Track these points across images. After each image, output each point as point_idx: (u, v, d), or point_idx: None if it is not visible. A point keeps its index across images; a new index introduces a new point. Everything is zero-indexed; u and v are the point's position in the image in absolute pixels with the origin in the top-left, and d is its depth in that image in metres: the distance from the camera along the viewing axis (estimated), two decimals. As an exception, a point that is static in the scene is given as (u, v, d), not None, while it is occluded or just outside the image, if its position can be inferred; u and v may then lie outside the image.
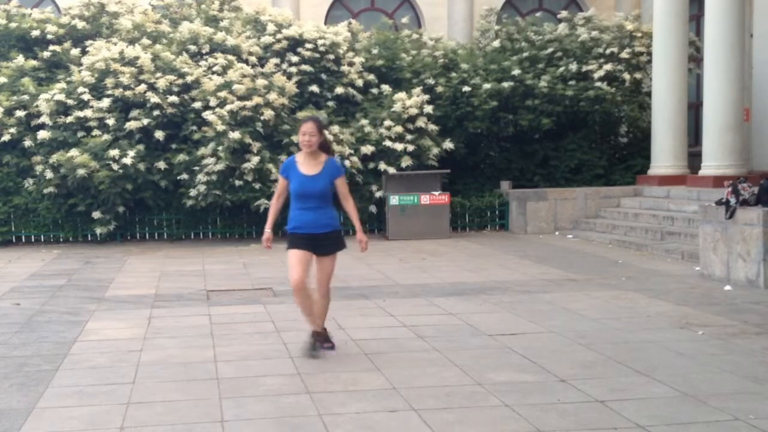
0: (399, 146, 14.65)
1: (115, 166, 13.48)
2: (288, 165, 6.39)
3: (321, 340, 6.45)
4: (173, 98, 14.12)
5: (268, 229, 6.48)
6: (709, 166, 13.81)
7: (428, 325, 7.44)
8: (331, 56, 15.46)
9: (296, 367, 6.06)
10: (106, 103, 14.03)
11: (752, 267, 9.15)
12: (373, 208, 15.04)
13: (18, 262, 12.38)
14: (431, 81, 15.90)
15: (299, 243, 6.25)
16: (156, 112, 14.07)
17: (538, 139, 16.66)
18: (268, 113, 13.86)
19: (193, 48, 15.31)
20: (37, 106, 14.19)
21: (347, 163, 14.52)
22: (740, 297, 8.64)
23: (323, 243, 6.30)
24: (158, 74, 14.28)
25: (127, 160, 13.50)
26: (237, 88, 13.96)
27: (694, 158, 15.57)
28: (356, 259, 12.10)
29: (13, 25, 15.67)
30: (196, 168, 13.98)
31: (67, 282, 10.35)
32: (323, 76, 15.43)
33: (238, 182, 13.80)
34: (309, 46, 15.29)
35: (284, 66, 15.17)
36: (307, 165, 6.30)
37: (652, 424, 4.74)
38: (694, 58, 16.65)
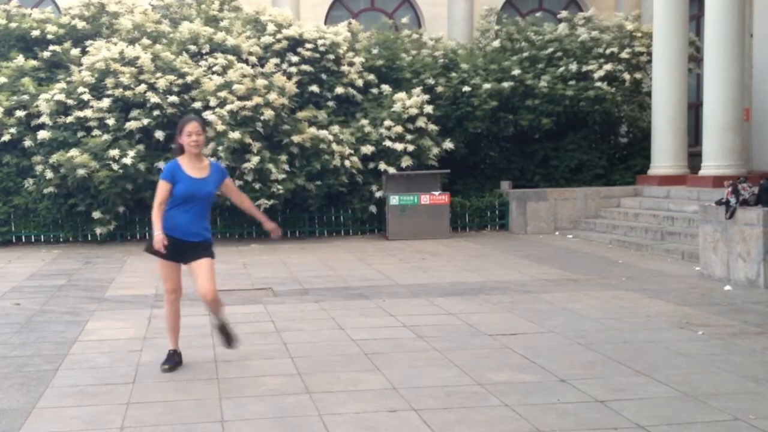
0: (399, 146, 14.65)
1: (115, 166, 13.48)
2: (172, 169, 5.99)
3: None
4: (173, 98, 14.12)
5: (159, 232, 5.87)
6: (709, 166, 13.80)
7: (428, 325, 7.43)
8: (331, 56, 15.46)
9: (296, 367, 6.06)
10: (106, 103, 14.03)
11: (752, 267, 9.15)
12: (373, 208, 15.05)
13: (18, 262, 12.37)
14: (431, 81, 15.90)
15: (167, 250, 5.86)
16: (156, 112, 14.07)
17: (538, 139, 16.66)
18: (268, 113, 13.86)
19: (193, 48, 15.31)
20: (37, 106, 14.18)
21: (347, 163, 14.53)
22: (740, 297, 8.64)
23: (192, 251, 6.00)
24: (158, 74, 14.28)
25: (127, 160, 13.50)
26: (237, 88, 13.97)
27: (694, 158, 15.57)
28: (356, 259, 12.11)
29: (13, 25, 15.67)
30: (197, 168, 13.95)
31: (67, 282, 10.35)
32: (323, 76, 15.43)
33: (238, 182, 13.77)
34: (309, 46, 15.29)
35: (284, 66, 15.17)
36: (192, 168, 6.00)
37: (652, 424, 4.74)
38: (694, 58, 16.65)
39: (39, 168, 13.95)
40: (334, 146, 14.38)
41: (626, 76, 16.34)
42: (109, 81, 14.15)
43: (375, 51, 16.27)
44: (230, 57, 14.92)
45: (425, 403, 5.19)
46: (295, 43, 15.41)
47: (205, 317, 7.97)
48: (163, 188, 6.00)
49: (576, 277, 10.11)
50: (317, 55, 15.34)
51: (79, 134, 14.07)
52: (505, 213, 15.73)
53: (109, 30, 16.17)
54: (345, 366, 6.08)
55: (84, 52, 15.11)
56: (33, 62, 15.08)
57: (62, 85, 14.31)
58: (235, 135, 13.52)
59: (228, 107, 13.80)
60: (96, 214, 14.04)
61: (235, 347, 6.30)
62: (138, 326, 7.59)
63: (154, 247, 5.87)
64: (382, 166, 14.70)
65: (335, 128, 14.70)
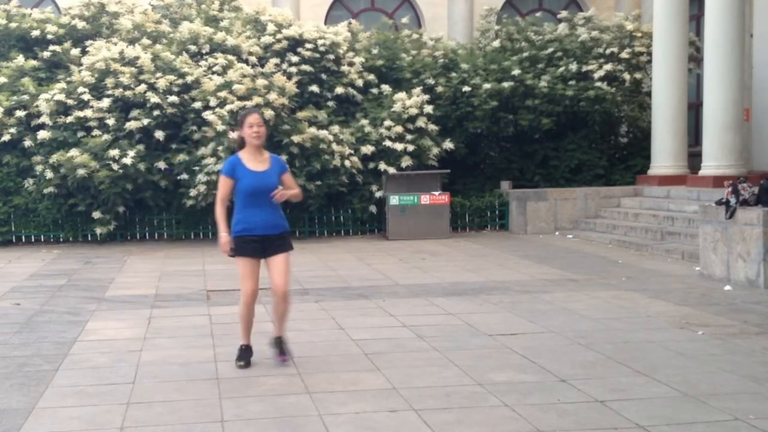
0: (399, 146, 14.65)
1: (115, 166, 13.48)
2: (233, 163, 6.00)
3: (276, 348, 6.22)
4: (173, 98, 14.11)
5: (224, 233, 5.97)
6: (709, 166, 13.80)
7: (428, 325, 7.43)
8: (331, 56, 15.45)
9: (296, 367, 6.06)
10: (106, 103, 14.03)
11: (752, 267, 9.15)
12: (373, 208, 15.05)
13: (18, 262, 12.37)
14: (431, 81, 15.89)
15: (249, 248, 5.94)
16: (156, 112, 14.07)
17: (538, 139, 16.66)
18: (268, 113, 13.84)
19: (193, 48, 15.30)
20: (37, 106, 14.18)
21: (347, 163, 14.53)
22: (740, 297, 8.64)
23: (275, 244, 6.02)
24: (158, 74, 14.28)
25: (127, 160, 13.50)
26: (237, 88, 13.96)
27: (694, 158, 15.57)
28: (356, 259, 12.11)
29: (13, 25, 15.66)
30: (196, 168, 13.98)
31: (67, 282, 10.35)
32: (323, 76, 15.43)
33: (238, 182, 13.78)
34: (309, 46, 15.29)
35: (284, 66, 15.16)
36: (254, 161, 6.00)
37: (652, 424, 4.74)
38: (694, 58, 16.65)
39: (39, 168, 13.94)
40: (334, 146, 14.37)
41: (626, 76, 16.34)
42: (109, 81, 14.15)
43: (375, 51, 16.27)
44: (230, 57, 14.92)
45: (425, 403, 5.19)
46: (295, 43, 15.41)
47: (205, 317, 7.98)
48: (224, 184, 6.02)
49: (576, 277, 10.11)
50: (317, 55, 15.34)
51: (79, 134, 14.07)
52: (505, 213, 15.73)
53: (109, 30, 16.17)
54: (345, 366, 6.09)
55: (84, 52, 15.11)
56: (33, 62, 15.07)
57: (62, 85, 14.31)
58: (235, 135, 13.48)
59: (228, 107, 13.80)
60: (96, 214, 14.04)
61: (285, 362, 6.16)
62: (138, 326, 7.59)
63: (222, 249, 5.98)
64: (382, 166, 14.70)
65: (335, 128, 14.70)
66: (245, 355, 6.17)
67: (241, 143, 6.12)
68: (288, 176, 6.18)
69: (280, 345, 6.24)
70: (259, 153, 6.06)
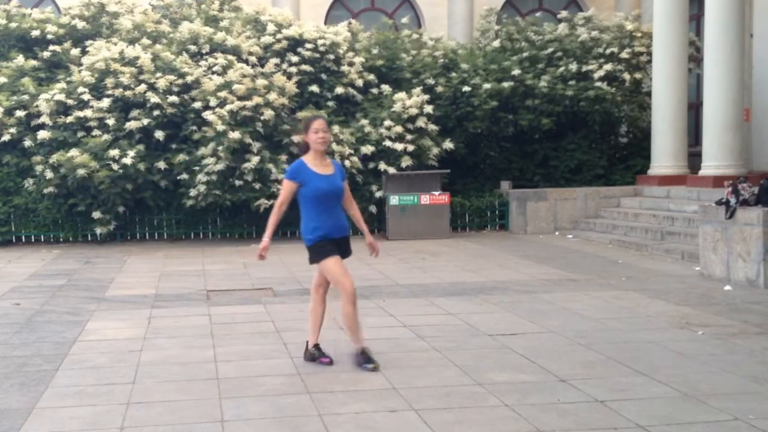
0: (399, 146, 14.65)
1: (115, 166, 13.49)
2: (298, 168, 6.00)
3: (317, 355, 6.19)
4: (173, 98, 14.12)
5: (267, 239, 6.06)
6: (709, 166, 13.80)
7: (428, 325, 7.43)
8: (331, 56, 15.46)
9: (296, 367, 6.06)
10: (106, 103, 14.03)
11: (752, 267, 9.15)
12: (373, 208, 15.04)
13: (18, 262, 12.38)
14: (431, 81, 15.90)
15: (332, 249, 5.98)
16: (156, 112, 14.07)
17: (538, 139, 16.66)
18: (268, 113, 13.86)
19: (193, 48, 15.31)
20: (37, 106, 14.18)
21: (347, 163, 14.53)
22: (740, 297, 8.64)
23: (343, 248, 6.11)
24: (158, 74, 14.28)
25: (127, 160, 13.50)
26: (237, 88, 13.96)
27: (694, 158, 15.57)
28: (356, 260, 12.08)
29: (13, 25, 15.66)
30: (196, 168, 13.98)
31: (67, 282, 10.35)
32: (323, 76, 15.43)
33: (238, 182, 13.81)
34: (309, 46, 15.29)
35: (284, 66, 15.17)
36: (319, 166, 6.01)
37: (652, 424, 4.74)
38: (694, 58, 16.65)
39: (39, 168, 13.94)
40: (334, 146, 14.37)
41: (626, 76, 16.34)
42: (109, 81, 14.15)
43: (375, 51, 16.28)
44: (230, 57, 14.92)
45: (425, 403, 5.19)
46: (295, 43, 15.41)
47: (205, 317, 7.98)
48: (287, 188, 6.02)
49: (576, 277, 10.11)
50: (317, 55, 15.34)
51: (79, 134, 14.07)
52: (505, 213, 15.73)
53: (109, 30, 16.17)
54: (345, 366, 6.08)
55: (84, 52, 15.11)
56: (33, 62, 15.08)
57: (62, 85, 14.31)
58: (235, 135, 13.52)
59: (228, 107, 13.80)
60: (96, 214, 14.04)
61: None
62: (138, 326, 7.59)
63: (259, 252, 6.11)
64: (382, 166, 14.70)
65: (335, 128, 14.69)
66: (369, 357, 6.02)
67: (305, 148, 6.11)
68: (346, 183, 6.22)
69: (319, 350, 6.22)
70: (323, 158, 6.09)
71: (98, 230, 14.18)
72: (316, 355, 6.20)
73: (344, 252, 6.12)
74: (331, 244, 5.99)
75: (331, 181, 6.01)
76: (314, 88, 15.22)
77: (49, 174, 13.80)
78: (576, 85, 16.18)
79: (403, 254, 12.55)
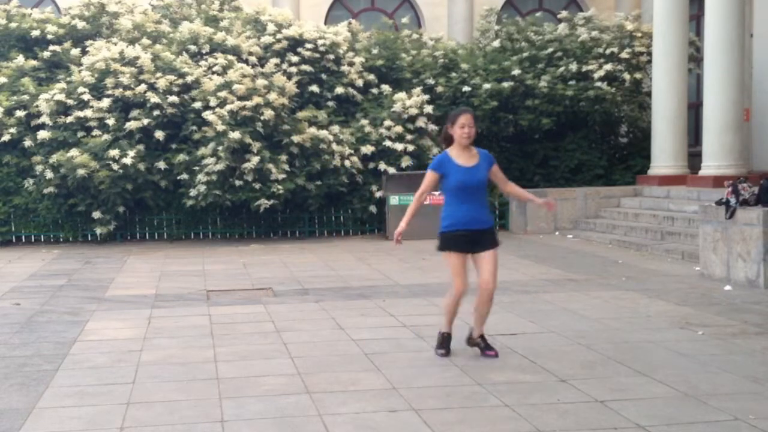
0: (399, 146, 14.65)
1: (115, 166, 13.49)
2: (442, 160, 6.09)
3: (482, 347, 6.27)
4: (173, 98, 14.12)
5: (404, 224, 6.08)
6: (709, 166, 13.80)
7: (428, 325, 7.43)
8: (331, 56, 15.46)
9: (296, 367, 6.06)
10: (106, 103, 14.04)
11: (752, 267, 9.15)
12: (373, 208, 15.05)
13: (18, 262, 12.38)
14: (431, 81, 15.90)
15: (459, 242, 6.02)
16: (156, 112, 14.08)
17: (538, 139, 16.66)
18: (268, 113, 13.86)
19: (193, 48, 15.31)
20: (37, 106, 14.19)
21: (347, 163, 14.53)
22: (740, 297, 8.63)
23: (484, 239, 6.08)
24: (158, 74, 14.28)
25: (127, 160, 13.50)
26: (237, 88, 13.97)
27: (694, 158, 15.57)
28: (356, 259, 12.11)
29: (13, 25, 15.67)
30: (196, 168, 13.98)
31: (67, 282, 10.35)
32: (323, 76, 15.44)
33: (238, 182, 13.80)
34: (309, 46, 15.30)
35: (284, 66, 15.17)
36: (463, 157, 6.07)
37: (652, 424, 4.74)
38: (694, 58, 16.65)
39: (39, 168, 13.95)
40: (334, 146, 14.38)
41: (626, 76, 16.33)
42: (109, 81, 14.16)
43: (375, 51, 16.28)
44: (230, 57, 14.93)
45: (425, 403, 5.19)
46: (295, 43, 15.42)
47: (205, 317, 7.98)
48: (429, 178, 6.13)
49: (576, 277, 10.11)
50: (317, 55, 15.35)
51: (79, 134, 14.08)
52: (505, 213, 15.73)
53: (109, 30, 16.18)
54: (345, 366, 6.08)
55: (84, 52, 15.12)
56: (33, 62, 15.08)
57: (62, 85, 14.31)
58: (235, 135, 13.52)
59: (228, 107, 13.80)
60: (96, 214, 14.04)
61: (496, 356, 6.17)
62: (138, 326, 7.59)
63: (395, 236, 6.14)
64: (382, 166, 14.71)
65: (335, 128, 14.70)
66: (446, 343, 6.24)
67: (449, 139, 6.16)
68: (496, 168, 6.24)
69: (485, 341, 6.29)
70: (468, 150, 6.12)
71: (98, 230, 14.18)
72: (482, 347, 6.30)
73: (482, 245, 6.06)
74: (463, 237, 6.01)
75: (473, 173, 6.05)
76: (314, 88, 15.22)
77: (49, 174, 13.81)
78: (576, 85, 16.18)
79: (403, 254, 12.55)
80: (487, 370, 5.89)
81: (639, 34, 16.79)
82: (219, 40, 15.26)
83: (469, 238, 6.04)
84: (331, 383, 5.64)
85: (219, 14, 16.80)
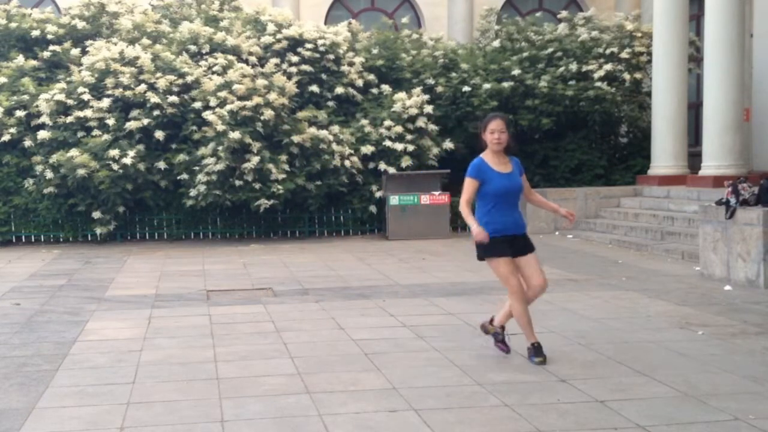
0: (399, 146, 14.66)
1: (115, 166, 13.49)
2: (480, 166, 6.07)
3: (498, 337, 6.32)
4: (173, 98, 14.13)
5: (477, 226, 5.94)
6: (709, 166, 13.80)
7: (428, 325, 7.43)
8: (331, 56, 15.47)
9: (296, 367, 6.06)
10: (106, 103, 14.04)
11: (752, 267, 9.15)
12: (373, 208, 15.05)
13: (18, 262, 12.38)
14: (431, 81, 15.90)
15: (504, 248, 6.03)
16: (156, 112, 14.08)
17: (538, 139, 16.65)
18: (268, 113, 13.86)
19: (193, 48, 15.32)
20: (37, 106, 14.19)
21: (347, 163, 14.54)
22: (740, 297, 8.63)
23: (522, 244, 6.14)
24: (158, 74, 14.29)
25: (127, 160, 13.51)
26: (237, 88, 13.97)
27: (694, 158, 15.57)
28: (356, 259, 12.11)
29: (13, 25, 15.67)
30: (196, 168, 13.99)
31: (67, 282, 10.35)
32: (323, 76, 15.44)
33: (238, 182, 13.80)
34: (309, 46, 15.30)
35: (284, 66, 15.18)
36: (499, 164, 6.07)
37: (652, 424, 4.74)
38: (694, 58, 16.65)
39: (39, 168, 13.95)
40: (334, 146, 14.38)
41: (626, 76, 16.34)
42: (109, 81, 14.16)
43: (375, 51, 16.28)
44: (230, 57, 14.93)
45: (425, 403, 5.19)
46: (295, 43, 15.42)
47: (205, 317, 7.98)
48: (470, 186, 6.09)
49: (576, 277, 10.11)
50: (317, 55, 15.35)
51: (79, 134, 14.09)
52: (505, 213, 15.69)
53: (109, 30, 16.18)
54: (345, 366, 6.08)
55: (84, 52, 15.12)
56: (33, 62, 15.08)
57: (62, 85, 14.32)
58: (235, 135, 13.52)
59: (228, 107, 13.80)
60: (96, 214, 14.05)
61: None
62: (138, 326, 7.59)
63: (477, 239, 5.95)
64: (382, 166, 14.71)
65: (335, 128, 14.70)
66: (540, 351, 6.11)
67: (484, 145, 6.17)
68: (524, 177, 6.29)
69: (503, 334, 6.35)
70: (501, 155, 6.12)
71: (98, 230, 14.18)
72: (499, 337, 6.36)
73: (521, 249, 6.12)
74: (503, 243, 6.03)
75: (511, 178, 6.09)
76: (314, 88, 15.22)
77: (49, 174, 13.81)
78: (576, 85, 16.18)
79: (403, 254, 12.55)
80: (487, 370, 5.90)
81: (639, 34, 16.79)
82: (219, 40, 15.26)
83: (510, 242, 6.08)
84: (331, 383, 5.64)
85: (219, 14, 16.81)
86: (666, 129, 15.29)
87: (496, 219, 6.06)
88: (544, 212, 15.33)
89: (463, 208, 6.09)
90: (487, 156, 6.13)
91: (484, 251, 6.09)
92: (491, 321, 6.47)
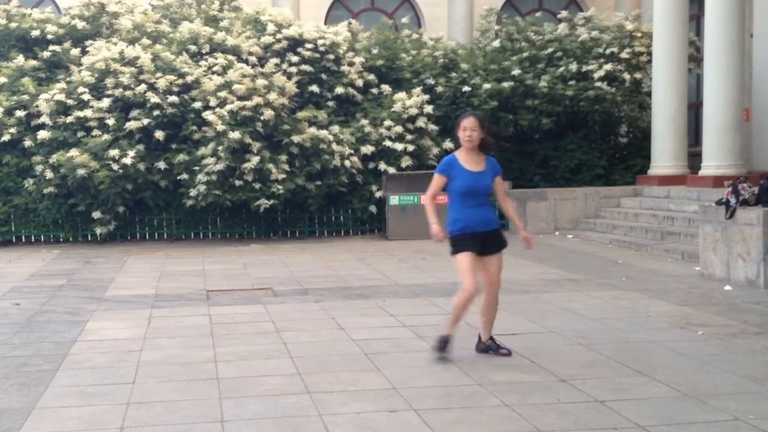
0: (399, 146, 14.66)
1: (115, 166, 13.49)
2: (449, 163, 6.17)
3: (494, 348, 6.30)
4: (173, 98, 14.12)
5: (437, 224, 6.13)
6: (709, 166, 13.80)
7: (428, 325, 7.43)
8: (331, 56, 15.46)
9: (296, 367, 6.06)
10: (106, 103, 14.04)
11: (752, 267, 9.15)
12: (373, 208, 15.05)
13: (18, 262, 12.38)
14: (431, 81, 15.90)
15: (469, 244, 6.06)
16: (156, 112, 14.08)
17: (538, 139, 16.65)
18: (268, 113, 13.86)
19: (193, 48, 15.31)
20: (37, 106, 14.19)
21: (347, 163, 14.53)
22: (740, 297, 8.63)
23: (494, 241, 6.16)
24: (158, 74, 14.29)
25: (127, 160, 13.51)
26: (237, 88, 13.97)
27: (694, 158, 15.57)
28: (356, 259, 12.11)
29: (13, 25, 15.66)
30: (196, 168, 13.98)
31: (67, 282, 10.35)
32: (323, 76, 15.44)
33: (238, 182, 13.80)
34: (309, 46, 15.30)
35: (284, 66, 15.17)
36: (470, 161, 6.14)
37: (652, 424, 4.74)
38: (694, 58, 16.65)
39: (39, 168, 13.95)
40: (334, 146, 14.38)
41: (626, 76, 16.33)
42: (109, 81, 14.16)
43: (375, 51, 16.28)
44: (230, 57, 14.93)
45: (425, 403, 5.19)
46: (295, 43, 15.42)
47: (205, 317, 7.98)
48: (437, 181, 6.21)
49: (576, 277, 10.11)
50: (317, 55, 15.35)
51: (79, 134, 14.08)
52: (505, 213, 15.70)
53: (109, 30, 16.18)
54: (345, 366, 6.08)
55: (84, 52, 15.12)
56: (33, 62, 15.08)
57: (62, 85, 14.31)
58: (235, 135, 13.52)
59: (228, 107, 13.80)
60: (96, 214, 14.05)
61: (509, 354, 6.22)
62: (138, 326, 7.59)
63: (434, 238, 6.09)
64: (382, 166, 14.71)
65: (335, 128, 14.70)
66: (447, 346, 6.18)
67: (459, 143, 6.24)
68: (500, 179, 6.34)
69: (495, 342, 6.33)
70: (476, 153, 6.17)
71: (98, 230, 14.18)
72: (494, 348, 6.33)
73: (491, 246, 6.13)
74: (472, 239, 6.05)
75: (478, 177, 6.12)
76: (314, 88, 15.22)
77: (49, 174, 13.81)
78: (576, 85, 16.18)
79: (403, 254, 12.55)
80: (487, 370, 5.90)
81: (639, 34, 16.79)
82: (219, 40, 15.26)
83: (479, 239, 6.09)
84: (331, 383, 5.64)
85: (219, 14, 16.80)
86: (666, 129, 15.29)
87: (463, 216, 6.12)
88: (544, 212, 15.36)
89: (427, 204, 6.25)
90: (460, 153, 6.20)
91: (455, 248, 6.13)
92: (480, 340, 6.42)
